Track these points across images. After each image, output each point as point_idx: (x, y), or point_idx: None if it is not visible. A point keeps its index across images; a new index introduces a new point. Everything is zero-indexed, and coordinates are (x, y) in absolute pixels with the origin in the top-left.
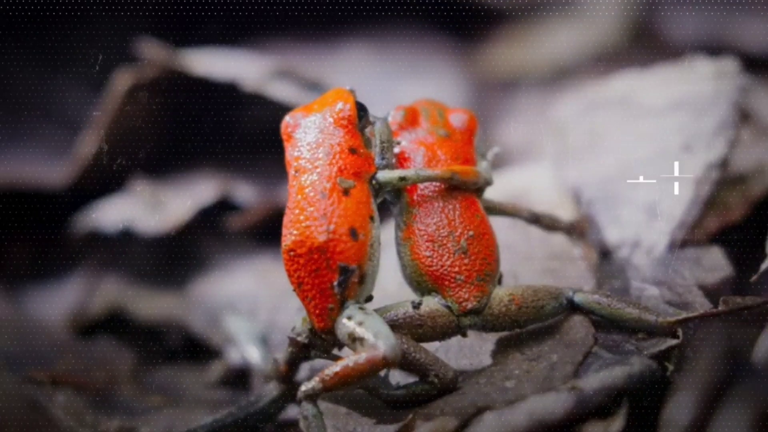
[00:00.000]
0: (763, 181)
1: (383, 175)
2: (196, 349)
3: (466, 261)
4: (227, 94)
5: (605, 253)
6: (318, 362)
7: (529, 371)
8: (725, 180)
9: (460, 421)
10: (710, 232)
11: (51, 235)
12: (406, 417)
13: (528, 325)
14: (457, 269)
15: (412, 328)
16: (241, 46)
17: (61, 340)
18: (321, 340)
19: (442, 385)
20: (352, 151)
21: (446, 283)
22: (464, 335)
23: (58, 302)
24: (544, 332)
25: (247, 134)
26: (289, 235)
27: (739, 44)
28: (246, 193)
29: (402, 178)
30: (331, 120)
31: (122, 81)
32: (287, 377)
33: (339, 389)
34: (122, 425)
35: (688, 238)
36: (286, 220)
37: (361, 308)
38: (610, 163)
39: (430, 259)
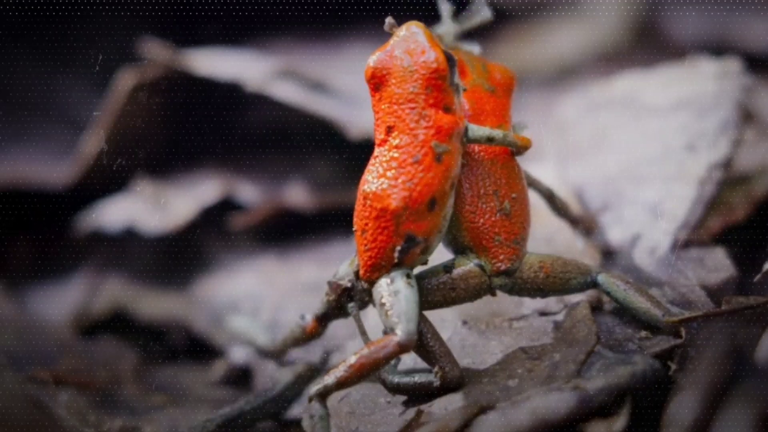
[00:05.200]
0: (766, 181)
1: (473, 132)
2: (198, 349)
3: (506, 222)
4: (230, 93)
5: (608, 253)
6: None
7: (531, 370)
8: (728, 180)
9: (463, 420)
10: (713, 232)
11: (54, 235)
12: (409, 416)
13: (552, 295)
14: (497, 229)
15: (446, 293)
16: (244, 45)
17: (64, 339)
18: (362, 288)
19: (444, 380)
20: (447, 109)
21: (484, 242)
22: (493, 294)
23: (61, 302)
24: (546, 331)
25: (250, 134)
26: (370, 183)
27: (742, 44)
28: (249, 192)
29: (490, 138)
30: (422, 77)
31: (125, 81)
32: (314, 335)
33: (354, 383)
34: (125, 424)
35: (691, 238)
36: (372, 163)
37: (407, 275)
38: (613, 163)
39: (472, 215)
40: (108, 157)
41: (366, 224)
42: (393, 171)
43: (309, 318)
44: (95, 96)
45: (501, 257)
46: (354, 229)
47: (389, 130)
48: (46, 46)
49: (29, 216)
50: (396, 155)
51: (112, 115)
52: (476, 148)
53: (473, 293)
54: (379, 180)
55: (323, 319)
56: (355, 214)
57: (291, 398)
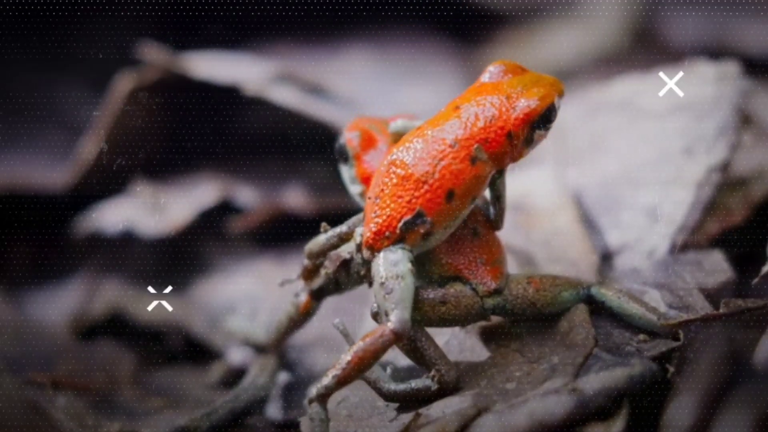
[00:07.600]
0: (764, 184)
1: (502, 182)
2: (196, 351)
3: (483, 243)
4: (228, 97)
5: (606, 257)
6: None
7: (529, 373)
8: (726, 183)
9: (461, 423)
10: (711, 235)
11: (52, 238)
12: (406, 419)
13: (546, 311)
14: (477, 252)
15: (435, 305)
16: (243, 49)
17: (62, 342)
18: (362, 260)
19: (441, 383)
20: (510, 136)
21: (472, 266)
22: (488, 319)
23: (59, 304)
24: (544, 334)
25: (248, 137)
26: (403, 150)
27: (740, 47)
28: (247, 195)
29: (498, 197)
30: (517, 108)
31: (123, 84)
32: (308, 313)
33: (353, 380)
34: (123, 427)
35: (689, 241)
36: (417, 131)
37: (411, 261)
38: (611, 167)
39: (450, 246)
40: (106, 160)
41: (382, 190)
42: (429, 145)
43: (303, 295)
44: (94, 98)
45: (489, 277)
46: (368, 196)
47: (457, 107)
48: (47, 48)
49: (27, 218)
50: (441, 130)
51: (111, 117)
52: None
53: (464, 313)
54: (412, 149)
55: (318, 295)
56: (374, 181)
57: (265, 389)
